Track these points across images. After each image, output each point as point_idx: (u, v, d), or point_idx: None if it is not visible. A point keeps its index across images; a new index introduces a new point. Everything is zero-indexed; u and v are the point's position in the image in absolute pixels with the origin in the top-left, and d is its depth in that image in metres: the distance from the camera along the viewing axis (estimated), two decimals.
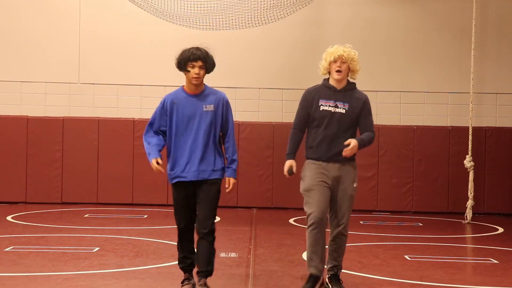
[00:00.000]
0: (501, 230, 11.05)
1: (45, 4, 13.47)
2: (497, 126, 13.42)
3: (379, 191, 13.18)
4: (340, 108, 5.67)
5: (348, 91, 5.74)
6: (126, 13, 13.24)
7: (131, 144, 13.19)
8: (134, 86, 13.48)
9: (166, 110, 5.53)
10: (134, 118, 13.29)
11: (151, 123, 5.64)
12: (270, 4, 11.46)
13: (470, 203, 11.85)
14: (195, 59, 5.42)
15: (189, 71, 5.44)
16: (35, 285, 6.10)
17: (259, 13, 11.51)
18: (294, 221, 11.37)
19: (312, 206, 5.64)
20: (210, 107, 5.47)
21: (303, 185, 5.79)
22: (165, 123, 5.56)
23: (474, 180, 12.03)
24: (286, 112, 13.49)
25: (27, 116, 13.23)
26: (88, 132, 13.18)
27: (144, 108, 13.41)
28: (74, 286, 6.05)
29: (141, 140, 13.81)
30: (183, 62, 5.45)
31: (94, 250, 7.93)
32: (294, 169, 5.74)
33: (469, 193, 11.90)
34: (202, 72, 5.45)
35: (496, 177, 13.22)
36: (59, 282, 6.15)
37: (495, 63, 13.56)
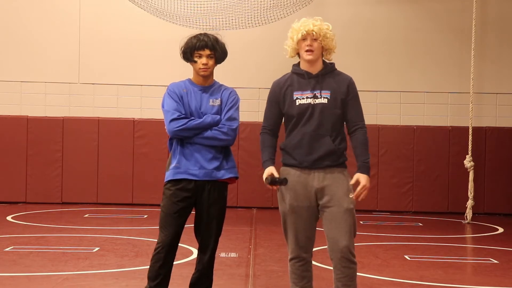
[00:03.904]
0: (501, 230, 11.05)
1: (45, 4, 13.47)
2: (497, 126, 13.42)
3: (379, 191, 13.18)
4: (321, 97, 4.41)
5: (327, 75, 4.48)
6: (126, 13, 13.24)
7: (131, 144, 13.19)
8: (134, 86, 13.49)
9: (177, 95, 4.76)
10: (134, 118, 13.29)
11: (174, 114, 4.72)
12: (270, 4, 11.46)
13: (470, 203, 11.85)
14: (202, 47, 4.69)
15: (195, 62, 4.72)
16: (35, 285, 6.10)
17: (259, 13, 11.51)
18: None
19: (290, 238, 4.48)
20: (217, 102, 4.77)
21: (279, 205, 4.51)
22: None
23: (474, 180, 12.03)
24: None
25: (27, 116, 13.23)
26: (88, 132, 13.18)
27: (144, 108, 13.42)
28: (74, 286, 6.05)
29: (141, 140, 13.91)
30: (189, 51, 4.72)
31: (94, 250, 7.93)
32: (276, 175, 4.38)
33: (469, 193, 11.90)
34: (210, 62, 4.72)
35: (496, 177, 13.21)
36: (59, 282, 6.15)
37: (495, 63, 13.56)
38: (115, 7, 13.41)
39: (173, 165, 4.72)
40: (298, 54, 4.55)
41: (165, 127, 4.75)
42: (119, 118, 13.32)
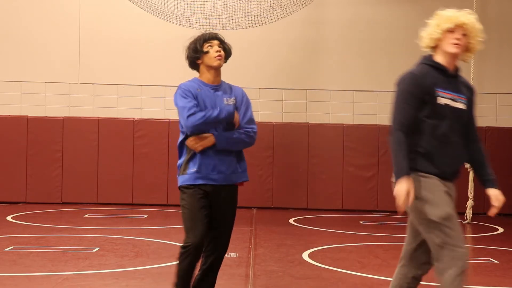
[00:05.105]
0: (501, 230, 11.05)
1: (45, 4, 13.47)
2: (497, 126, 13.42)
3: (379, 191, 13.17)
4: (459, 102, 3.94)
5: (459, 77, 4.02)
6: (126, 13, 13.24)
7: (131, 144, 13.19)
8: (134, 86, 13.48)
9: (192, 93, 4.58)
10: (134, 118, 13.29)
11: (191, 110, 4.51)
12: (270, 4, 11.46)
13: (470, 203, 11.84)
14: (212, 38, 4.65)
15: (207, 52, 4.61)
16: (35, 285, 6.10)
17: (259, 13, 11.51)
18: (294, 221, 11.37)
19: (459, 238, 3.83)
20: (232, 101, 4.66)
21: (434, 210, 3.82)
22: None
23: (474, 180, 12.02)
24: (286, 112, 13.49)
25: (27, 116, 13.23)
26: (88, 132, 13.18)
27: (144, 108, 13.41)
28: (74, 286, 6.05)
29: (141, 140, 13.86)
30: (199, 44, 4.62)
31: (94, 250, 7.93)
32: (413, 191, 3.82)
33: (469, 193, 11.90)
34: (222, 52, 4.64)
35: (496, 177, 13.19)
36: (59, 282, 6.15)
37: (495, 63, 13.55)
38: (115, 7, 13.41)
39: (192, 170, 4.59)
40: (435, 47, 3.98)
41: (182, 124, 4.58)
42: (119, 118, 13.32)
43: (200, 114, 4.50)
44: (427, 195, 3.85)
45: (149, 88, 13.43)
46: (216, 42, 4.63)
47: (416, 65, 4.00)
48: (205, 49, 4.62)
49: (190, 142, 4.55)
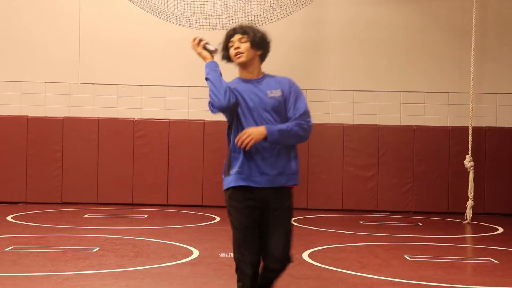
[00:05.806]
0: (501, 230, 11.05)
1: (45, 4, 13.47)
2: (497, 126, 13.42)
3: (379, 191, 13.17)
4: None
5: None
6: (126, 13, 13.24)
7: (131, 144, 13.19)
8: (134, 86, 13.48)
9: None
10: (134, 118, 13.29)
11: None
12: (270, 4, 11.46)
13: (470, 203, 11.84)
14: (232, 35, 4.38)
15: (230, 52, 4.38)
16: (35, 285, 6.10)
17: (259, 13, 11.51)
18: (294, 221, 11.37)
19: None
20: (277, 93, 4.32)
21: None
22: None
23: (474, 180, 12.03)
24: None
25: (27, 116, 13.23)
26: (88, 132, 13.18)
27: (144, 108, 13.41)
28: (74, 286, 6.05)
29: (141, 140, 13.84)
30: (225, 46, 4.42)
31: (94, 250, 7.93)
32: None
33: (469, 193, 11.90)
34: (243, 45, 4.34)
35: (496, 177, 13.21)
36: (59, 282, 6.15)
37: (495, 63, 13.55)
38: (115, 7, 13.41)
39: (234, 170, 4.26)
40: None
41: (214, 110, 4.28)
42: (119, 118, 13.32)
43: (209, 99, 4.24)
44: None
45: (149, 88, 13.43)
46: (236, 38, 4.36)
47: None
48: (229, 50, 4.39)
49: (238, 138, 4.15)
